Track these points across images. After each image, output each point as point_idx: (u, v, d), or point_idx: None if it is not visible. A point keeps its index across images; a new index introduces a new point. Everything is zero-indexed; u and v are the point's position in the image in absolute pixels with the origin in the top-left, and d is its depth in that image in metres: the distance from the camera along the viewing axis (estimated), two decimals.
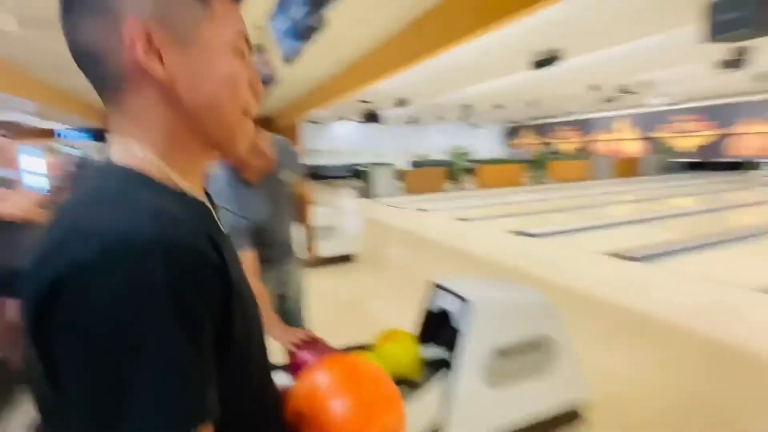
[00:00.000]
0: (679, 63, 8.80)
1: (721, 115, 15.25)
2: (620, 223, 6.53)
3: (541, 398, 1.71)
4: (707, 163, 15.79)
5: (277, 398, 0.54)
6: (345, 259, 4.67)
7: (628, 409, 1.90)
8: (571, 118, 20.54)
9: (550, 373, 1.71)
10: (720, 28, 4.73)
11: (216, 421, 0.37)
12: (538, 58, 7.44)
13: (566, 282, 3.61)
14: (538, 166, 13.71)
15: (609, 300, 3.31)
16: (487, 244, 5.40)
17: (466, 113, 16.40)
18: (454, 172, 12.63)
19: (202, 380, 0.36)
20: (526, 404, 1.67)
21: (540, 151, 14.87)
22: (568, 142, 21.17)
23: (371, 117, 16.37)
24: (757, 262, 4.34)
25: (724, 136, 15.27)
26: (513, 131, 24.47)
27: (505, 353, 1.59)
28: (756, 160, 14.41)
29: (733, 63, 7.93)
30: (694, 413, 1.88)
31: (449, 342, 1.59)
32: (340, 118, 19.06)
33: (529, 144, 22.63)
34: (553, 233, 5.78)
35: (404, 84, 10.08)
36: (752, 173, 14.07)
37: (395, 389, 0.57)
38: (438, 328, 1.72)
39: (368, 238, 6.59)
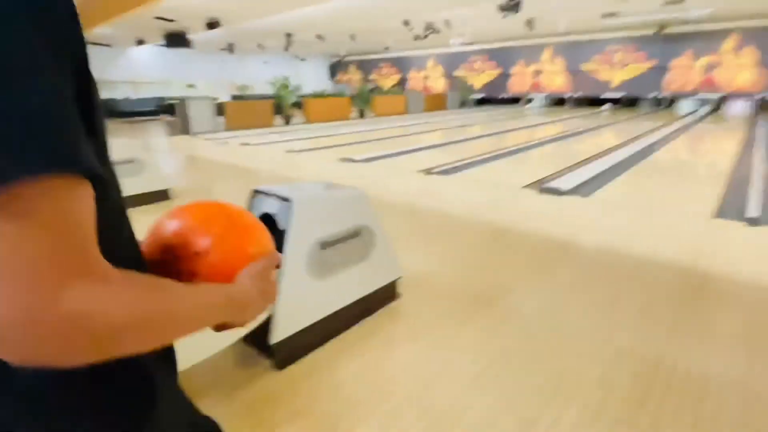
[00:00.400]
0: (472, 3, 9.96)
1: (502, 56, 18.26)
2: (428, 147, 7.51)
3: (363, 282, 1.93)
4: (493, 98, 19.04)
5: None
6: (161, 196, 4.13)
7: (432, 284, 2.32)
8: (389, 55, 21.63)
9: (370, 258, 1.94)
10: None
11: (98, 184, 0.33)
12: None
13: (387, 195, 4.03)
14: (362, 100, 14.22)
15: (419, 205, 3.85)
16: (318, 172, 5.52)
17: (288, 42, 15.54)
18: (282, 106, 12.07)
19: (76, 124, 0.32)
20: (351, 289, 1.87)
21: (363, 87, 15.36)
22: (387, 79, 22.42)
23: (177, 40, 13.96)
24: (522, 168, 5.66)
25: (505, 75, 18.46)
26: (337, 66, 24.47)
27: (327, 245, 1.71)
28: (529, 96, 18.03)
29: (510, 7, 9.45)
30: (478, 277, 2.41)
31: (276, 244, 1.63)
32: (139, 42, 15.67)
33: (353, 80, 23.13)
34: (375, 158, 6.26)
35: None
36: (526, 106, 17.62)
37: (255, 220, 0.56)
38: None
39: (190, 175, 5.95)
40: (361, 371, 1.65)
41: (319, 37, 15.20)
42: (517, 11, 9.36)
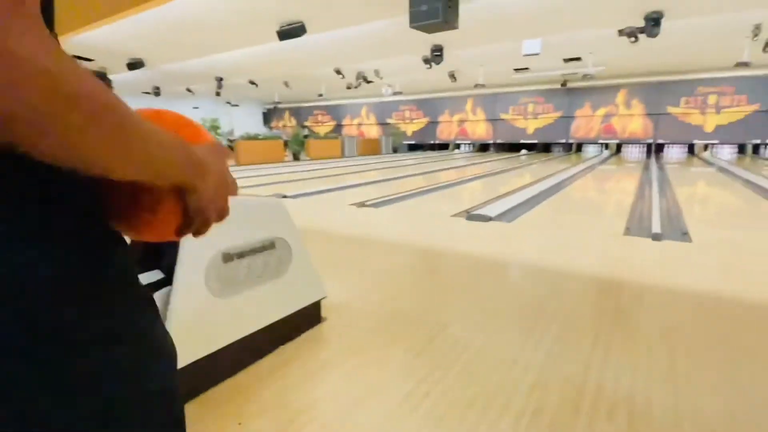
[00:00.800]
0: (398, 53, 10.60)
1: (430, 106, 19.48)
2: (361, 184, 7.54)
3: (279, 302, 1.72)
4: (424, 144, 20.03)
5: None
6: None
7: (360, 307, 2.15)
8: (324, 103, 22.16)
9: (286, 276, 1.75)
10: (417, 17, 5.94)
11: None
12: (283, 28, 7.59)
13: (317, 225, 3.87)
14: (296, 144, 14.21)
15: (349, 233, 3.72)
16: None
17: (220, 87, 15.33)
18: None
19: None
20: (264, 310, 1.65)
21: (297, 130, 15.43)
22: (322, 126, 22.80)
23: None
24: (451, 200, 5.81)
25: (433, 123, 19.61)
26: (272, 113, 24.51)
27: (231, 258, 1.51)
28: (456, 142, 19.18)
29: (432, 59, 10.18)
30: (406, 298, 2.28)
31: (170, 256, 1.40)
32: None
33: (288, 126, 23.22)
34: (308, 194, 6.12)
35: (130, 37, 8.49)
36: (454, 152, 18.67)
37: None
38: (160, 252, 1.49)
39: None
40: (278, 397, 1.41)
41: (252, 82, 15.19)
42: (438, 62, 10.08)
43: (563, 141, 16.58)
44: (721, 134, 13.83)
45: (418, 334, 1.89)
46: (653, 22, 6.96)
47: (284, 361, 1.67)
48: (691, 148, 14.66)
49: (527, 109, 17.02)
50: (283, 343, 1.76)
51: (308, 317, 1.91)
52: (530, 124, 17.08)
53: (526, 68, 13.00)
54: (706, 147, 14.50)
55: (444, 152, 18.48)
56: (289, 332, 1.80)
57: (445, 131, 19.34)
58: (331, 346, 1.82)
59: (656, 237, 3.46)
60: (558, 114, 16.43)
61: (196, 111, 20.25)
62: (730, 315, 2.07)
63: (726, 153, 14.04)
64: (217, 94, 16.88)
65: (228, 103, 21.38)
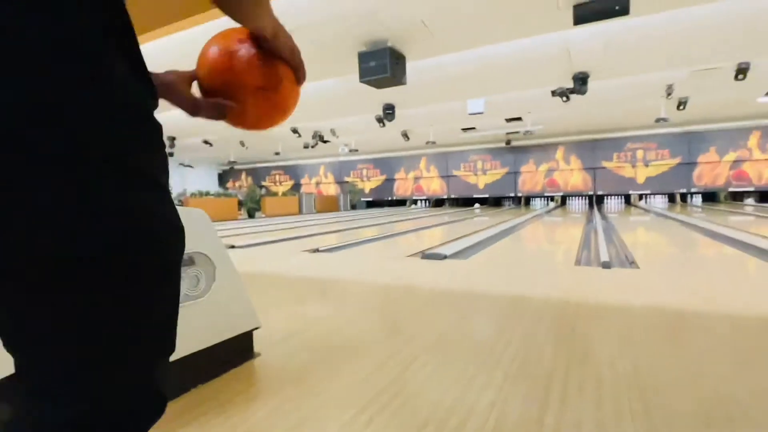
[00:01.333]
0: (352, 112, 11.01)
1: (386, 164, 20.09)
2: (318, 234, 7.36)
3: (196, 330, 1.47)
4: (381, 201, 20.34)
5: None
6: None
7: (302, 340, 1.90)
8: (282, 163, 22.32)
9: (207, 299, 1.52)
10: (366, 73, 6.23)
11: None
12: None
13: (267, 269, 3.61)
14: (251, 201, 13.93)
15: (301, 275, 3.47)
16: None
17: (172, 146, 15.10)
18: None
19: None
20: (181, 332, 1.40)
21: (252, 187, 15.23)
22: (281, 186, 22.76)
23: None
24: (406, 244, 5.72)
25: (390, 180, 20.11)
26: (228, 174, 24.28)
27: None
28: (413, 198, 19.63)
29: (385, 117, 10.64)
30: (354, 330, 2.06)
31: None
32: None
33: (245, 186, 22.96)
34: (259, 244, 5.84)
35: None
36: (411, 207, 19.03)
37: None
38: None
39: None
40: None
41: (206, 142, 15.10)
42: (391, 120, 10.53)
43: (512, 195, 17.42)
44: (652, 185, 15.10)
45: (364, 363, 1.67)
46: (581, 81, 7.72)
47: (201, 399, 1.39)
48: (627, 199, 15.81)
49: (477, 165, 17.94)
50: (202, 381, 1.49)
51: (236, 351, 1.66)
52: (481, 179, 17.91)
53: (473, 127, 13.88)
54: (640, 197, 15.70)
55: (401, 208, 18.79)
56: (211, 368, 1.53)
57: (402, 188, 19.83)
58: (261, 380, 1.56)
59: (606, 265, 3.50)
60: (505, 170, 17.40)
61: None
62: (686, 322, 2.03)
63: (659, 202, 15.25)
64: (170, 154, 16.61)
65: (182, 164, 21.02)
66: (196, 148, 16.51)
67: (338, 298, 2.81)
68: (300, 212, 15.75)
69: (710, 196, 14.96)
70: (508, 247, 5.28)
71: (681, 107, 9.97)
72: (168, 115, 8.28)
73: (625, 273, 3.29)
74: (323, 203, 17.13)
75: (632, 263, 3.68)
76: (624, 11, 4.53)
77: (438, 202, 19.28)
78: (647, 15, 5.04)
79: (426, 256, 4.23)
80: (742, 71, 7.17)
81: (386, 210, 17.09)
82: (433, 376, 1.54)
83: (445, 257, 4.14)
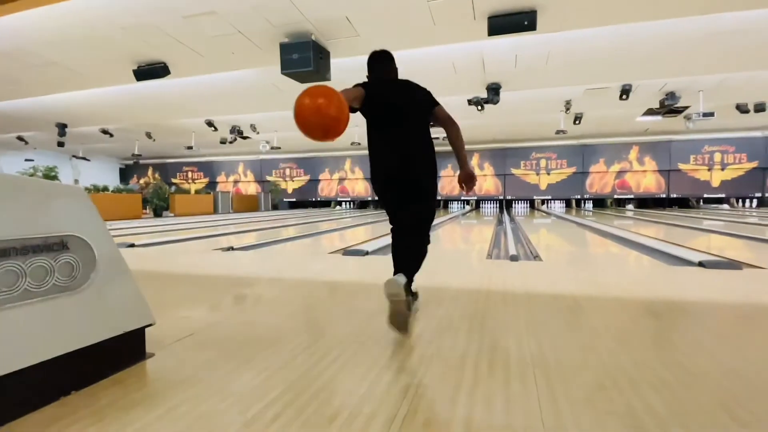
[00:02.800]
0: (274, 107, 10.57)
1: (310, 165, 19.70)
2: (231, 233, 6.92)
3: (70, 325, 1.25)
4: (305, 201, 19.89)
5: None
6: None
7: (206, 336, 1.72)
8: (196, 159, 20.76)
9: (84, 292, 1.30)
10: (288, 65, 6.01)
11: None
12: (141, 67, 6.96)
13: (172, 269, 3.26)
14: (158, 198, 12.71)
15: (211, 273, 3.20)
16: None
17: (62, 134, 13.19)
18: None
19: None
20: (45, 335, 1.17)
21: (159, 183, 13.91)
22: (194, 183, 21.16)
23: None
24: (328, 242, 5.60)
25: (314, 181, 19.75)
26: (132, 169, 21.97)
27: None
28: (338, 199, 19.45)
29: None
30: (261, 324, 1.92)
31: None
32: None
33: (150, 182, 20.93)
34: (165, 243, 5.32)
35: None
36: (336, 208, 18.84)
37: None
38: None
39: None
40: None
41: (106, 131, 13.45)
42: None
43: None
44: (553, 191, 16.70)
45: (273, 359, 1.56)
46: (494, 92, 8.27)
47: (76, 406, 1.18)
48: (532, 203, 17.30)
49: None
50: (81, 386, 1.27)
51: (124, 350, 1.44)
52: None
53: None
54: (543, 202, 17.28)
55: (325, 209, 18.54)
56: (91, 370, 1.31)
57: (326, 189, 19.58)
58: (152, 383, 1.37)
59: (513, 258, 3.74)
60: None
61: (31, 164, 16.97)
62: (580, 306, 2.22)
63: (557, 207, 16.91)
64: (60, 144, 14.52)
65: (74, 156, 18.50)
66: (92, 138, 14.65)
67: (251, 295, 2.63)
68: (215, 212, 14.77)
69: (599, 202, 16.96)
70: None
71: (577, 122, 11.16)
72: (57, 98, 7.32)
73: (530, 265, 3.55)
74: (241, 203, 16.25)
75: (536, 257, 3.99)
76: (532, 26, 4.93)
77: (363, 204, 19.36)
78: (551, 33, 5.53)
79: (348, 252, 4.18)
80: (625, 92, 8.22)
81: (310, 211, 16.74)
82: (347, 366, 1.48)
83: (367, 253, 4.12)
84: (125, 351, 1.45)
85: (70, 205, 1.29)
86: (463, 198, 17.74)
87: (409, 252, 1.92)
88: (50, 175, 9.73)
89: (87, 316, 1.31)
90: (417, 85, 2.10)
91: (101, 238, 1.36)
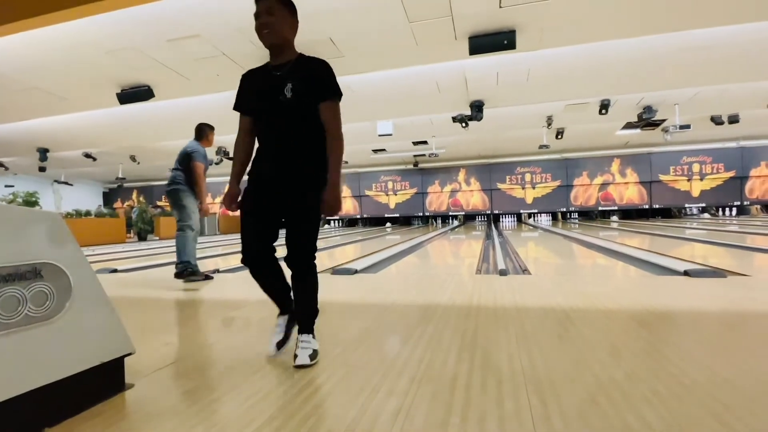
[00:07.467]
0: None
1: None
2: (218, 255, 6.81)
3: (44, 358, 1.19)
4: None
5: None
6: None
7: (190, 364, 1.66)
8: None
9: (60, 320, 1.24)
10: None
11: None
12: (125, 90, 6.92)
13: (153, 296, 3.18)
14: (142, 221, 12.50)
15: (197, 297, 3.13)
16: None
17: (44, 159, 12.96)
18: None
19: None
20: (16, 368, 1.11)
21: (143, 206, 13.70)
22: None
23: None
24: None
25: None
26: (116, 193, 21.65)
27: None
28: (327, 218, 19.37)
29: None
30: (257, 347, 1.87)
31: None
32: None
33: (135, 206, 20.61)
34: (148, 267, 5.20)
35: None
36: (325, 227, 18.73)
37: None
38: None
39: None
40: None
41: (89, 155, 13.26)
42: None
43: (420, 214, 18.19)
44: (539, 204, 16.92)
45: (263, 382, 1.51)
46: (477, 108, 8.42)
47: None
48: (519, 217, 17.48)
49: (388, 186, 18.46)
50: (57, 420, 1.20)
51: (102, 382, 1.38)
52: (392, 199, 18.43)
53: (383, 149, 14.31)
54: (529, 215, 17.47)
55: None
56: (67, 403, 1.25)
57: None
58: (133, 414, 1.31)
59: (503, 273, 3.74)
60: (414, 190, 18.17)
61: (12, 190, 16.57)
62: (570, 319, 2.21)
63: (544, 219, 17.10)
64: (41, 169, 14.27)
65: (56, 181, 18.16)
66: (74, 163, 14.44)
67: (239, 318, 2.57)
68: (201, 234, 14.55)
69: (585, 214, 17.21)
70: (415, 262, 5.41)
71: (559, 136, 11.40)
72: (38, 122, 7.22)
73: (519, 279, 3.55)
74: (229, 224, 16.08)
75: (525, 270, 3.99)
76: (512, 45, 5.06)
77: (351, 222, 19.33)
78: (530, 51, 5.69)
79: (337, 271, 4.13)
80: (604, 106, 8.45)
81: None
82: (338, 388, 1.44)
83: (356, 272, 4.08)
84: (103, 382, 1.38)
85: (44, 231, 1.25)
86: (451, 213, 17.85)
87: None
88: (31, 200, 9.49)
89: (61, 347, 1.25)
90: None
91: (77, 265, 1.32)
